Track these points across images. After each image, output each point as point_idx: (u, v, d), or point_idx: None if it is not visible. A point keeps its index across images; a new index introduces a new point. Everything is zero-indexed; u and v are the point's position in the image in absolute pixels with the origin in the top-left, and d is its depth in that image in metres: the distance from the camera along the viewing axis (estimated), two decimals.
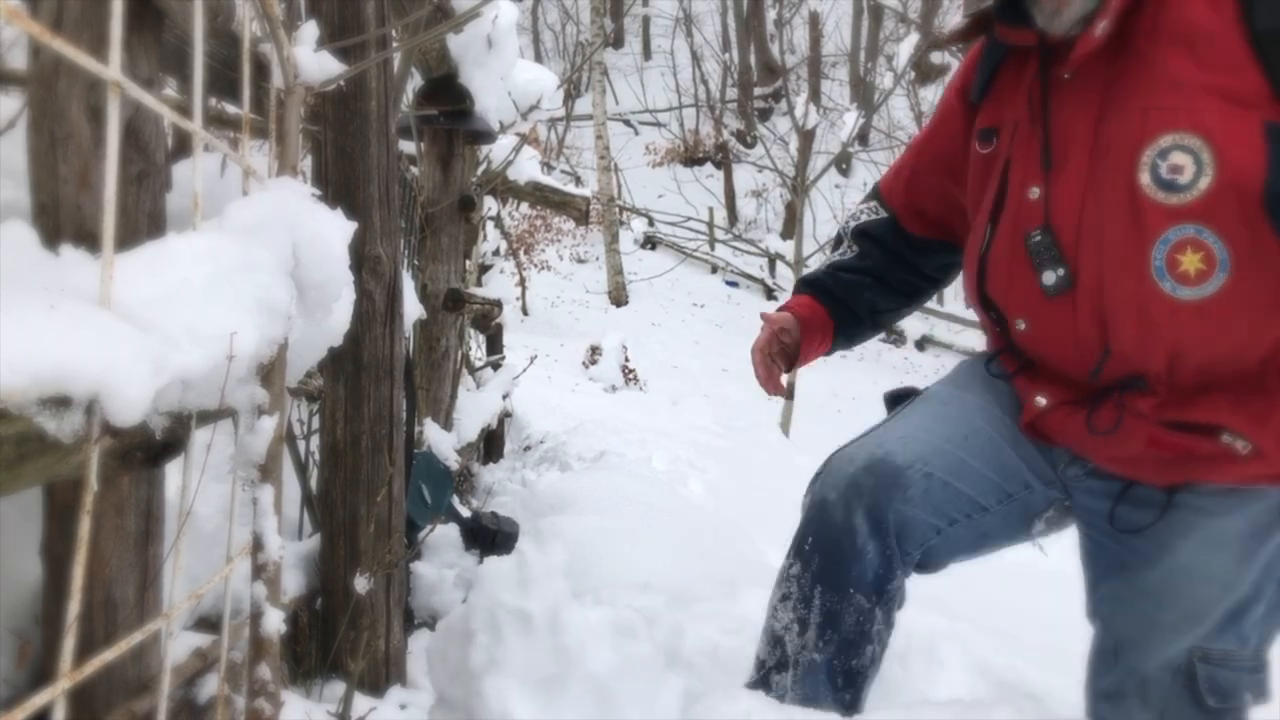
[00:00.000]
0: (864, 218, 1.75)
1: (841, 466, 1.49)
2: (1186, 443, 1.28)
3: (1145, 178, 1.24)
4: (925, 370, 14.51)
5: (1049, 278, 1.34)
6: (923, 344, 15.60)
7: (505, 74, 3.10)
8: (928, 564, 1.51)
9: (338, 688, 1.71)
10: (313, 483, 2.05)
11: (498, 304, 4.19)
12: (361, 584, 1.69)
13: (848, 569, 1.44)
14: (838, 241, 1.81)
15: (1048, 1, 1.32)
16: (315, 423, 2.12)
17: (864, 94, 18.05)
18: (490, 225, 4.56)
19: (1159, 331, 1.27)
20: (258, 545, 1.08)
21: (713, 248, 18.26)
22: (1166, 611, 1.37)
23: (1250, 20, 1.20)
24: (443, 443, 2.97)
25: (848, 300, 1.72)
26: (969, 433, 1.48)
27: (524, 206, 10.77)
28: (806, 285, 1.76)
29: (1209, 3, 1.23)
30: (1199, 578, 1.34)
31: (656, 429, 6.14)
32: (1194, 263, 1.22)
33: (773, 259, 17.15)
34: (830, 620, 1.45)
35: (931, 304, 16.18)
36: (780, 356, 1.68)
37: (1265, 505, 1.31)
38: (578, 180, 16.47)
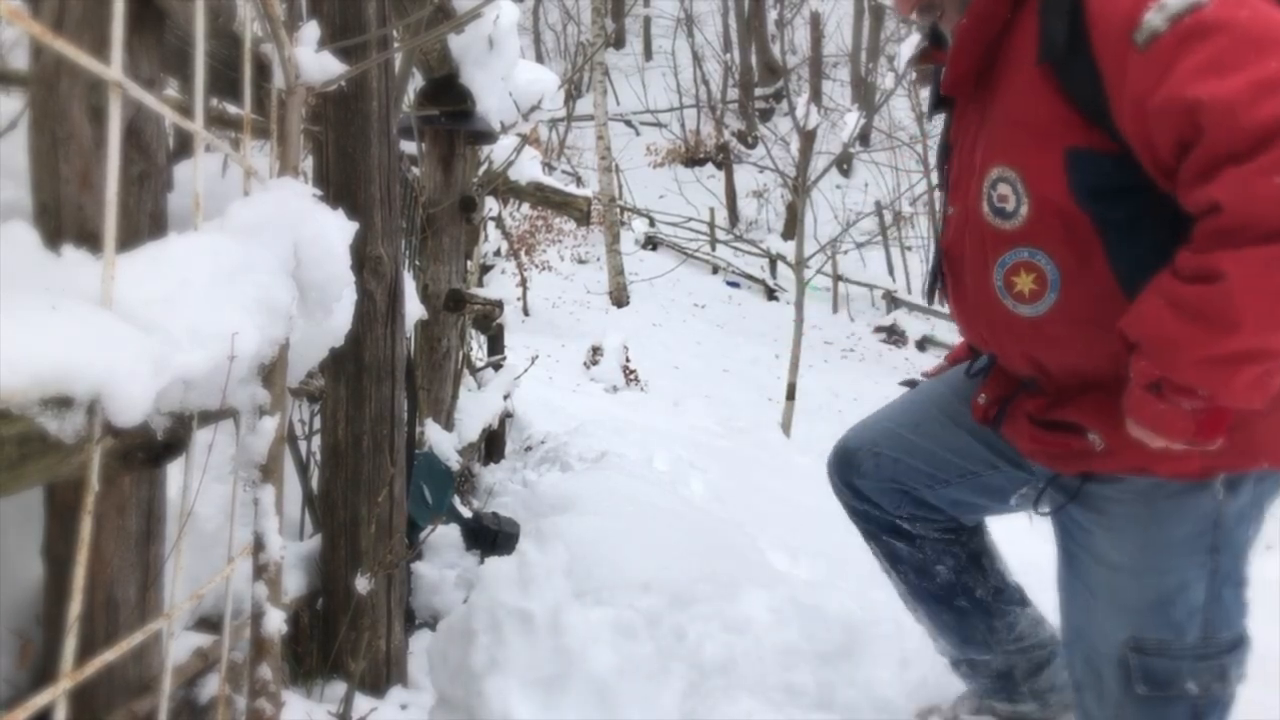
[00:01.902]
0: None
1: (829, 456, 1.82)
2: (1060, 440, 1.40)
3: (984, 206, 1.37)
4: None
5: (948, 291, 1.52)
6: (923, 344, 15.59)
7: (506, 74, 3.10)
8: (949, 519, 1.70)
9: (339, 688, 1.71)
10: (314, 483, 2.05)
11: (499, 304, 4.18)
12: (362, 584, 1.69)
13: (863, 521, 1.78)
14: None
15: (945, 24, 1.45)
16: (316, 423, 2.12)
17: (865, 94, 18.05)
18: (491, 226, 4.56)
19: (1013, 343, 1.41)
20: (259, 545, 1.08)
21: (714, 248, 18.26)
22: (1095, 599, 1.43)
23: (1041, 53, 1.29)
24: (444, 443, 2.97)
25: None
26: (921, 420, 1.71)
27: (525, 207, 10.76)
28: None
29: (1026, 38, 1.32)
30: (1108, 564, 1.41)
31: (658, 429, 6.12)
32: (1027, 283, 1.34)
33: (774, 259, 17.15)
34: (890, 558, 1.78)
35: (933, 304, 16.21)
36: None
37: (1160, 491, 1.34)
38: (579, 181, 16.47)
